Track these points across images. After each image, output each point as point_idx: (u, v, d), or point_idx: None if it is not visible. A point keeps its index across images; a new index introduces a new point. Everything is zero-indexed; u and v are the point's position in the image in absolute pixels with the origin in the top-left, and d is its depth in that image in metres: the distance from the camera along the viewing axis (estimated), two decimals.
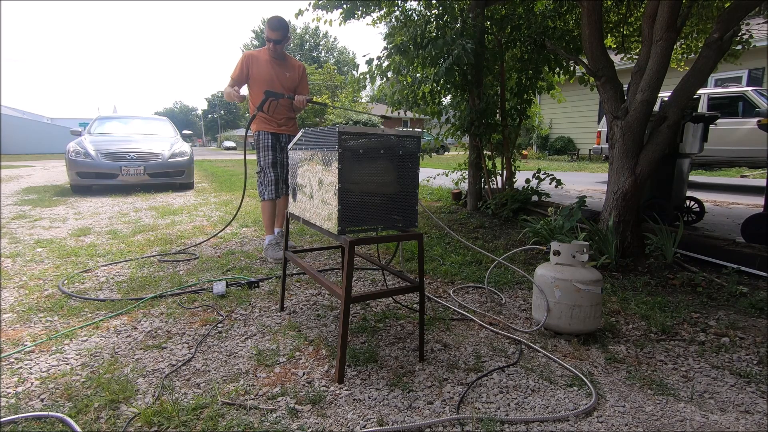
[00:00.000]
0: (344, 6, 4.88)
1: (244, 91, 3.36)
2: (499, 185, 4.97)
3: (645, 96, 2.86)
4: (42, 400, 1.51)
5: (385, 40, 4.80)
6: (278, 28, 3.15)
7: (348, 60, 52.64)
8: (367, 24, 5.49)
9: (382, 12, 5.14)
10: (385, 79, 4.58)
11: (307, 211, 1.93)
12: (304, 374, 1.69)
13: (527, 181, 4.78)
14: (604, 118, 3.62)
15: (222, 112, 64.14)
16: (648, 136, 2.97)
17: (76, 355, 1.83)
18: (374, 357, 1.82)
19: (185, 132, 9.05)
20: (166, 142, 7.65)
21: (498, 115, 4.74)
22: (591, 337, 2.00)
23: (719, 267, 2.87)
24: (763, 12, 5.79)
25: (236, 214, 4.02)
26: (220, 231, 4.00)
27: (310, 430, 1.37)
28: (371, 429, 1.37)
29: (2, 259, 3.20)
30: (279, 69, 3.29)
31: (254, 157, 3.44)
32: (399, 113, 5.28)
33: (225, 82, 3.54)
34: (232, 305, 2.37)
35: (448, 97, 5.05)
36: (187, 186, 7.85)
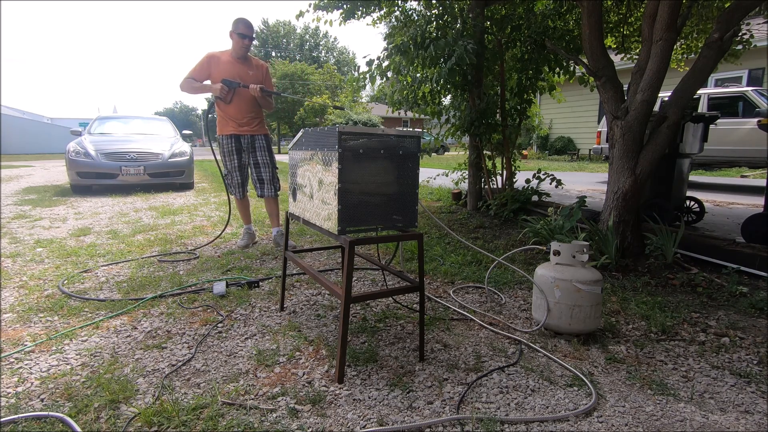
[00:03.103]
0: (344, 6, 4.88)
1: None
2: (499, 185, 4.97)
3: (645, 96, 2.86)
4: (42, 400, 1.51)
5: (385, 40, 4.80)
6: (252, 27, 3.38)
7: (348, 60, 52.66)
8: (367, 24, 5.50)
9: (382, 12, 5.14)
10: (385, 79, 4.57)
11: (307, 211, 1.93)
12: (304, 374, 1.69)
13: (527, 181, 4.78)
14: (604, 118, 3.62)
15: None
16: (648, 136, 2.97)
17: (76, 355, 1.83)
18: (374, 357, 1.82)
19: (185, 132, 9.03)
20: (166, 142, 7.64)
21: (498, 115, 4.73)
22: (591, 337, 2.00)
23: (719, 267, 2.86)
24: (763, 12, 5.79)
25: (228, 219, 3.99)
26: (220, 234, 4.00)
27: (310, 430, 1.37)
28: (371, 429, 1.37)
29: (2, 259, 3.20)
30: (242, 67, 3.37)
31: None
32: (399, 113, 5.28)
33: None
34: (232, 305, 2.37)
35: (448, 97, 5.05)
36: (187, 186, 7.84)
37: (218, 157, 3.57)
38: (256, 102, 3.43)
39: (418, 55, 4.06)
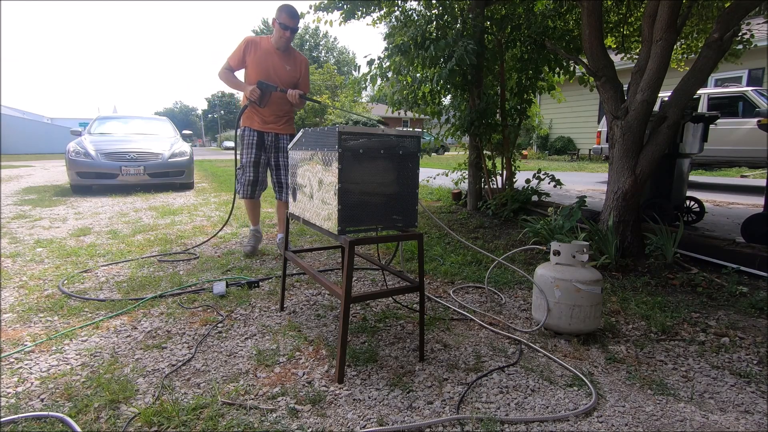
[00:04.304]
0: (344, 7, 4.88)
1: (240, 75, 3.17)
2: (499, 185, 4.97)
3: (645, 96, 2.86)
4: (42, 400, 1.51)
5: (385, 40, 4.80)
6: (296, 16, 3.06)
7: (348, 60, 52.69)
8: (367, 24, 5.50)
9: (382, 12, 5.14)
10: (385, 79, 4.57)
11: (307, 211, 1.93)
12: (304, 374, 1.69)
13: (527, 181, 4.78)
14: (604, 118, 3.62)
15: (222, 112, 64.14)
16: (648, 136, 2.97)
17: (76, 355, 1.83)
18: (374, 357, 1.82)
19: (185, 132, 9.04)
20: (166, 142, 7.65)
21: (498, 115, 4.73)
22: (591, 337, 2.00)
23: (719, 267, 2.86)
24: (763, 12, 5.79)
25: (230, 216, 3.95)
26: (218, 232, 4.00)
27: (310, 430, 1.37)
28: (371, 429, 1.37)
29: (2, 259, 3.20)
30: (279, 61, 3.10)
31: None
32: (399, 113, 5.29)
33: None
34: (232, 305, 2.37)
35: (448, 97, 5.05)
36: (187, 186, 7.85)
37: (239, 154, 3.30)
38: (287, 100, 3.15)
39: (419, 56, 4.06)
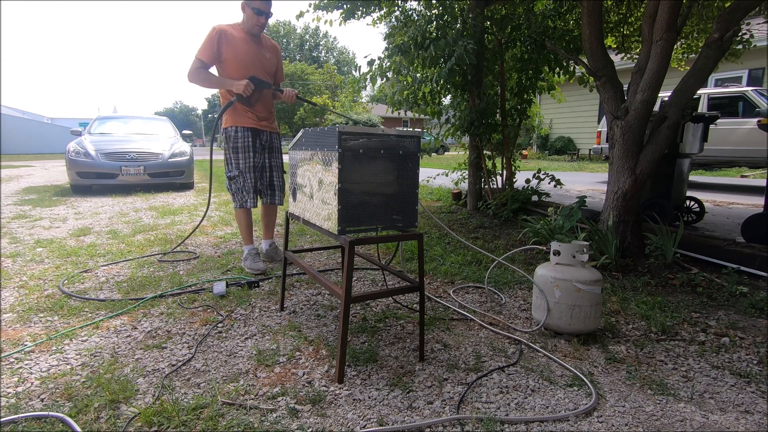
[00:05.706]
0: (344, 6, 4.88)
1: (214, 72, 2.84)
2: (499, 185, 4.97)
3: (645, 96, 2.86)
4: (42, 400, 1.51)
5: (385, 40, 4.80)
6: (269, 1, 2.81)
7: (348, 60, 52.72)
8: (367, 24, 5.50)
9: (382, 12, 5.14)
10: (385, 79, 4.57)
11: (307, 211, 1.93)
12: (304, 374, 1.69)
13: (527, 181, 4.78)
14: (604, 118, 3.63)
15: None
16: (648, 136, 2.97)
17: (76, 355, 1.83)
18: (374, 357, 1.82)
19: (185, 132, 9.03)
20: (166, 142, 7.65)
21: (498, 115, 4.74)
22: (591, 337, 2.00)
23: (719, 267, 2.86)
24: (763, 12, 5.79)
25: (206, 211, 3.84)
26: (198, 225, 3.99)
27: (310, 430, 1.37)
28: (371, 429, 1.37)
29: (2, 259, 3.20)
30: (258, 50, 2.84)
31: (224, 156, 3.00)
32: (399, 113, 5.29)
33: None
34: (232, 305, 2.37)
35: (448, 97, 5.05)
36: (187, 186, 7.85)
37: (218, 157, 3.17)
38: (271, 95, 2.95)
39: (419, 55, 4.06)
